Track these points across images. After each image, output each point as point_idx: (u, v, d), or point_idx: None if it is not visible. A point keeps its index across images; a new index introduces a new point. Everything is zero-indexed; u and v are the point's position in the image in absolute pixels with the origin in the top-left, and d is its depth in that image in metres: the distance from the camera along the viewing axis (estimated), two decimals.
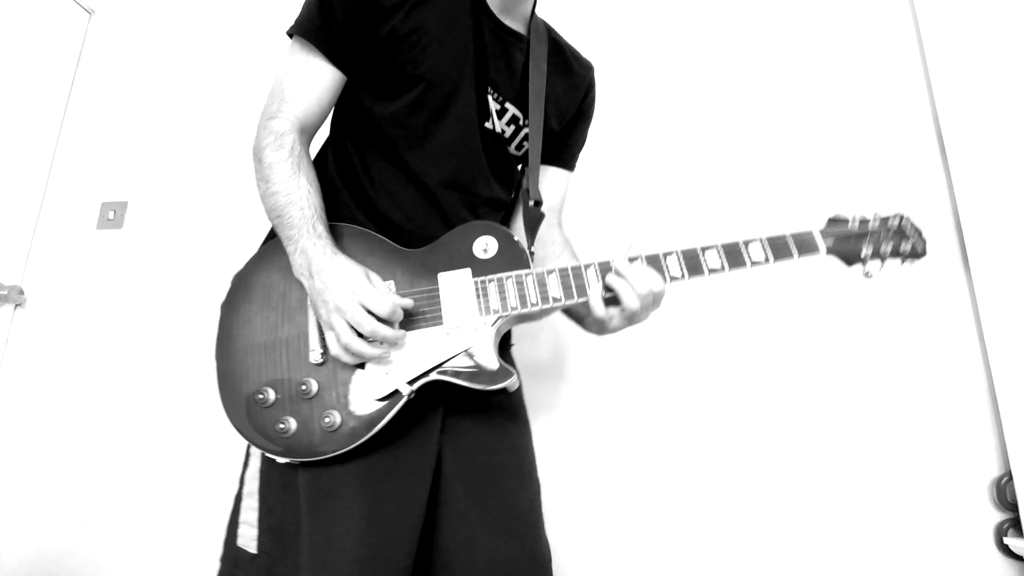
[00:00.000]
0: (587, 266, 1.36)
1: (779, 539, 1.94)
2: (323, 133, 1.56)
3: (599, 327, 1.42)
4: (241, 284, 1.41)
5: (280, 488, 1.38)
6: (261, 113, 1.43)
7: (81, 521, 2.48)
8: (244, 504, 1.43)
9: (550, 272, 1.36)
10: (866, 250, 1.37)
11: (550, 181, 1.70)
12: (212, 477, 2.39)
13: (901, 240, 1.37)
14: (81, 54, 3.09)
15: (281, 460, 1.30)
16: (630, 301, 1.32)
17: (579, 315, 1.51)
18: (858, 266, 1.38)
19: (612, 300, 1.35)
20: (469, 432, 1.45)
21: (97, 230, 2.82)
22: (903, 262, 1.38)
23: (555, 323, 2.13)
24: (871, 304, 2.03)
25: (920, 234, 1.38)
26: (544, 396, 2.17)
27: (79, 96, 3.02)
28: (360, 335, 1.25)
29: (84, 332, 2.69)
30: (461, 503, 1.39)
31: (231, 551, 1.43)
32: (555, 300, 1.34)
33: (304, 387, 1.30)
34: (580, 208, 2.16)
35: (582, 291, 1.35)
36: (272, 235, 1.49)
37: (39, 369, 2.69)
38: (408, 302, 1.30)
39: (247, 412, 1.31)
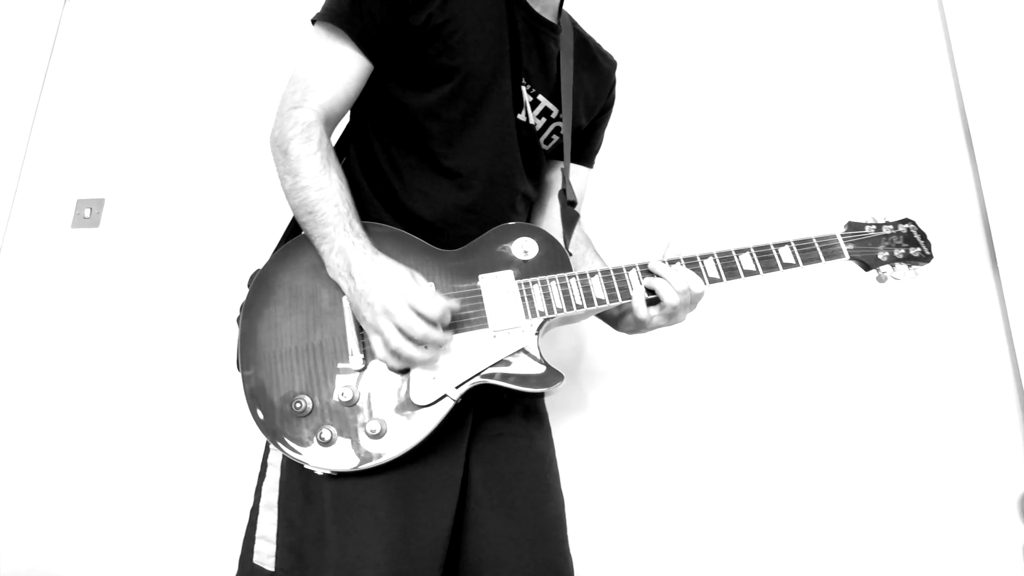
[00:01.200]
0: (629, 268, 1.43)
1: (802, 550, 1.97)
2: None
3: (636, 327, 1.48)
4: (262, 286, 1.38)
5: (302, 501, 1.36)
6: (281, 101, 1.41)
7: (57, 541, 2.38)
8: (261, 518, 1.41)
9: (593, 274, 1.41)
10: (883, 254, 1.49)
11: (573, 179, 1.74)
12: (209, 487, 2.32)
13: (910, 245, 1.50)
14: (55, 41, 2.93)
15: (320, 471, 1.29)
16: (670, 298, 1.39)
17: (611, 316, 1.57)
18: (873, 272, 1.51)
19: (652, 300, 1.42)
20: (498, 439, 1.48)
21: (72, 229, 2.70)
22: (910, 267, 1.51)
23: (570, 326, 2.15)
24: (898, 311, 2.07)
25: (925, 238, 1.52)
26: (560, 400, 2.19)
27: (53, 86, 2.87)
28: (409, 339, 1.26)
29: (58, 338, 2.56)
30: (486, 514, 1.42)
31: (246, 568, 1.40)
32: (599, 302, 1.40)
33: (345, 393, 1.29)
34: (601, 207, 2.22)
35: (625, 293, 1.41)
36: (291, 232, 1.48)
37: (10, 377, 2.55)
38: (456, 304, 1.31)
39: (282, 421, 1.29)
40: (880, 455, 1.98)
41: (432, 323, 1.26)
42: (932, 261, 1.52)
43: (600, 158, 1.83)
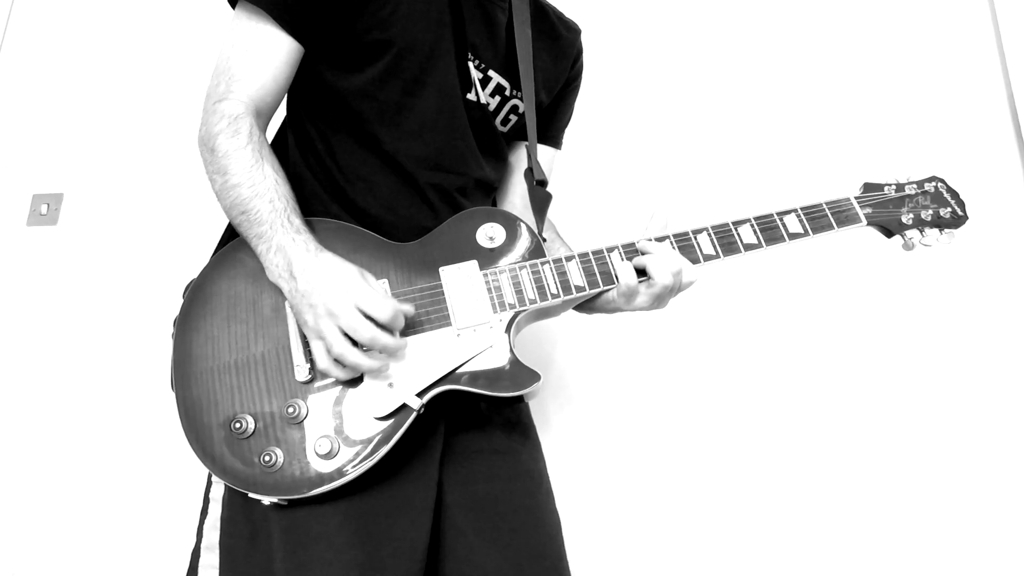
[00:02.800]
0: (610, 249, 1.35)
1: (807, 551, 1.96)
2: (277, 116, 1.49)
3: (620, 303, 1.37)
4: (197, 296, 1.32)
5: (247, 539, 1.28)
6: (205, 96, 1.36)
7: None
8: (203, 560, 1.33)
9: (569, 259, 1.34)
10: (906, 217, 1.40)
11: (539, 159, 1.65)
12: (157, 515, 2.25)
13: (939, 206, 1.41)
14: (8, 24, 2.90)
15: (267, 500, 1.21)
16: (662, 276, 1.31)
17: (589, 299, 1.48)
18: (897, 238, 1.41)
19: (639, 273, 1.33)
20: (475, 456, 1.40)
21: (28, 227, 2.64)
22: (942, 232, 1.41)
23: (550, 325, 2.07)
24: (926, 284, 2.03)
25: (958, 196, 1.42)
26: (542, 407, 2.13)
27: (6, 73, 2.84)
28: (355, 344, 1.19)
29: (12, 341, 2.52)
30: (469, 543, 1.34)
31: None
32: (578, 289, 1.32)
33: (291, 410, 1.22)
34: (569, 189, 2.15)
35: (608, 278, 1.33)
36: (227, 238, 1.43)
37: None
38: (410, 308, 1.25)
39: (221, 445, 1.22)
40: (897, 451, 1.98)
41: (381, 326, 1.19)
42: (967, 223, 1.41)
43: (569, 136, 1.77)
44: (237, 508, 1.29)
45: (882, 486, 1.95)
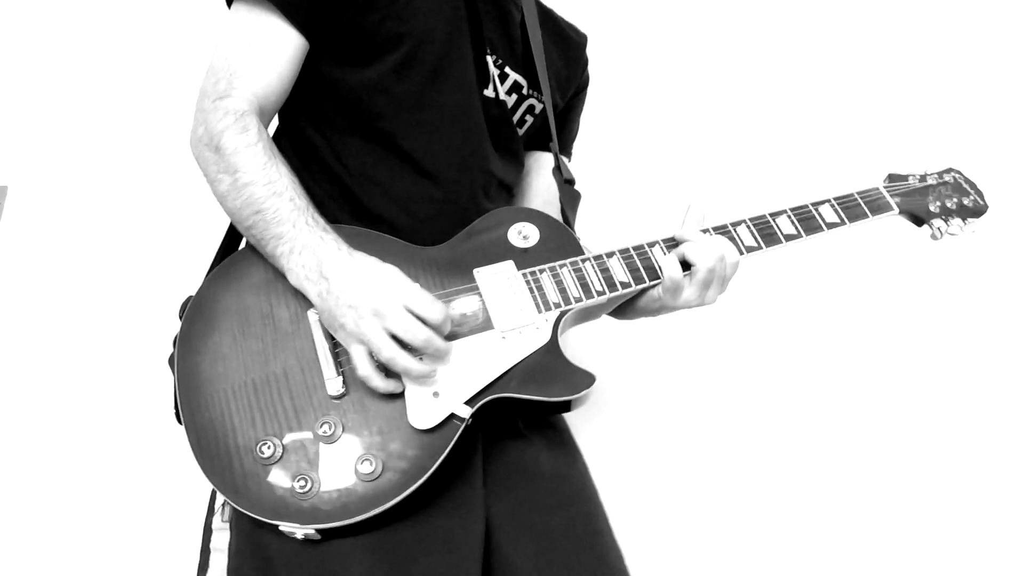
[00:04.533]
0: (651, 244, 1.38)
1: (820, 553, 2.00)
2: None
3: (655, 308, 1.40)
4: (199, 314, 1.27)
5: None
6: (200, 95, 1.33)
7: None
8: None
9: (610, 255, 1.36)
10: (934, 205, 1.48)
11: (547, 170, 1.68)
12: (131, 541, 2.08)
13: (961, 195, 1.49)
14: None
15: (300, 533, 1.14)
16: (704, 261, 1.32)
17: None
18: (926, 228, 1.49)
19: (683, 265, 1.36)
20: (519, 484, 1.36)
21: None
22: (965, 221, 1.50)
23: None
24: (944, 300, 2.15)
25: (975, 186, 1.52)
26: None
27: None
28: (403, 347, 1.16)
29: None
30: None
31: None
32: (623, 285, 1.34)
33: (325, 428, 1.17)
34: (599, 195, 2.15)
35: (653, 273, 1.35)
36: (226, 250, 1.39)
37: None
38: (457, 312, 1.23)
39: (245, 475, 1.15)
40: (925, 458, 2.06)
41: (433, 328, 1.17)
42: (988, 212, 1.51)
43: (590, 133, 1.81)
44: (245, 559, 1.22)
45: (918, 499, 2.02)
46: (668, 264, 1.33)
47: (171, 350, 1.29)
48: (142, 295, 2.29)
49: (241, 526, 1.23)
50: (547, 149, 1.67)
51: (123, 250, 2.40)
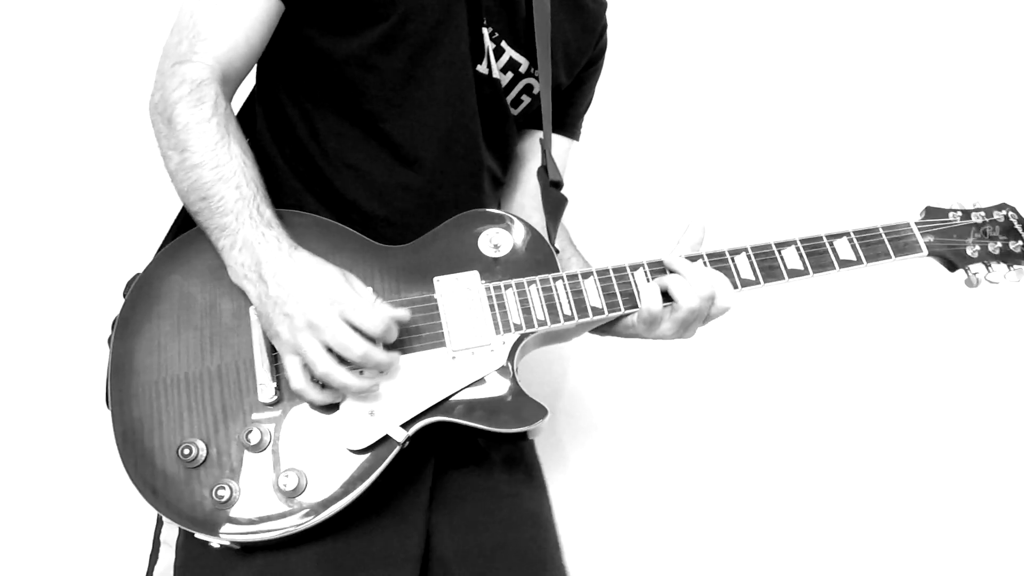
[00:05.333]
0: (634, 267, 1.30)
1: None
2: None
3: (640, 330, 1.32)
4: (143, 295, 1.26)
5: None
6: (162, 56, 1.29)
7: None
8: None
9: (586, 275, 1.29)
10: (972, 249, 1.36)
11: (553, 152, 1.59)
12: (95, 562, 2.11)
13: (1009, 238, 1.38)
14: None
15: (216, 543, 1.14)
16: (688, 300, 1.24)
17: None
18: (960, 272, 1.37)
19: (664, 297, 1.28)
20: (472, 497, 1.35)
21: None
22: (1011, 268, 1.37)
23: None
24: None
25: None
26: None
27: None
28: (342, 361, 1.13)
29: None
30: None
31: None
32: (595, 312, 1.27)
33: (252, 435, 1.16)
34: (588, 191, 2.08)
35: (630, 300, 1.28)
36: (181, 226, 1.36)
37: None
38: (405, 313, 1.18)
39: (165, 476, 1.15)
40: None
41: (372, 340, 1.13)
42: None
43: (588, 127, 1.70)
44: (194, 554, 1.23)
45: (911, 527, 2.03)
46: (648, 294, 1.25)
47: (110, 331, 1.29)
48: (91, 270, 2.20)
49: (183, 535, 1.25)
50: (554, 130, 1.58)
51: (73, 221, 2.30)
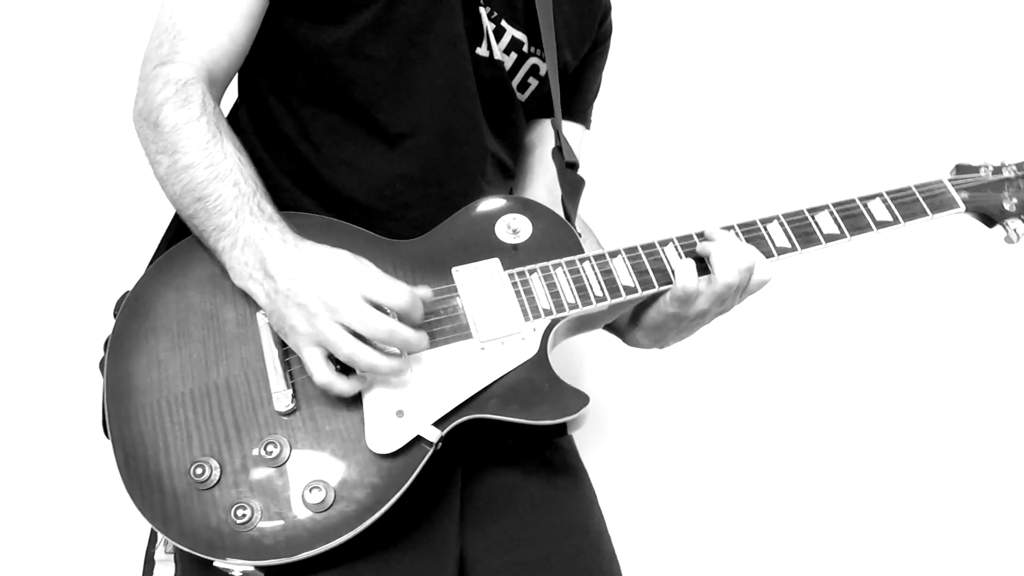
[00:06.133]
0: (664, 243, 1.27)
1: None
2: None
3: (662, 330, 1.32)
4: (136, 312, 1.21)
5: None
6: (143, 61, 1.28)
7: None
8: None
9: (614, 254, 1.26)
10: (1009, 203, 1.36)
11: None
12: None
13: None
14: None
15: (238, 570, 1.07)
16: (727, 273, 1.21)
17: (621, 322, 1.41)
18: (999, 229, 1.37)
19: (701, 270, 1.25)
20: (508, 509, 1.30)
21: None
22: None
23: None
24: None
25: None
26: None
27: None
28: (366, 342, 1.08)
29: None
30: None
31: None
32: (628, 291, 1.24)
33: (270, 449, 1.10)
34: (604, 181, 2.06)
35: (663, 277, 1.25)
36: (172, 239, 1.33)
37: None
38: (426, 291, 1.16)
39: (177, 500, 1.09)
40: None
41: (400, 316, 1.10)
42: None
43: (602, 112, 1.69)
44: (195, 570, 1.17)
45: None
46: (683, 270, 1.22)
47: (102, 353, 1.24)
48: (75, 289, 2.16)
49: (187, 557, 1.16)
50: (564, 116, 1.56)
51: (55, 237, 2.24)
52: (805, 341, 2.14)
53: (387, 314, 1.08)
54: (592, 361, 2.12)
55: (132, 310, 1.20)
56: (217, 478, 1.08)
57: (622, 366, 2.11)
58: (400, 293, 1.07)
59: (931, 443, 2.11)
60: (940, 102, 2.22)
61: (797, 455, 2.10)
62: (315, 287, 1.08)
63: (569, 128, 1.60)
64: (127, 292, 1.24)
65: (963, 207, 1.32)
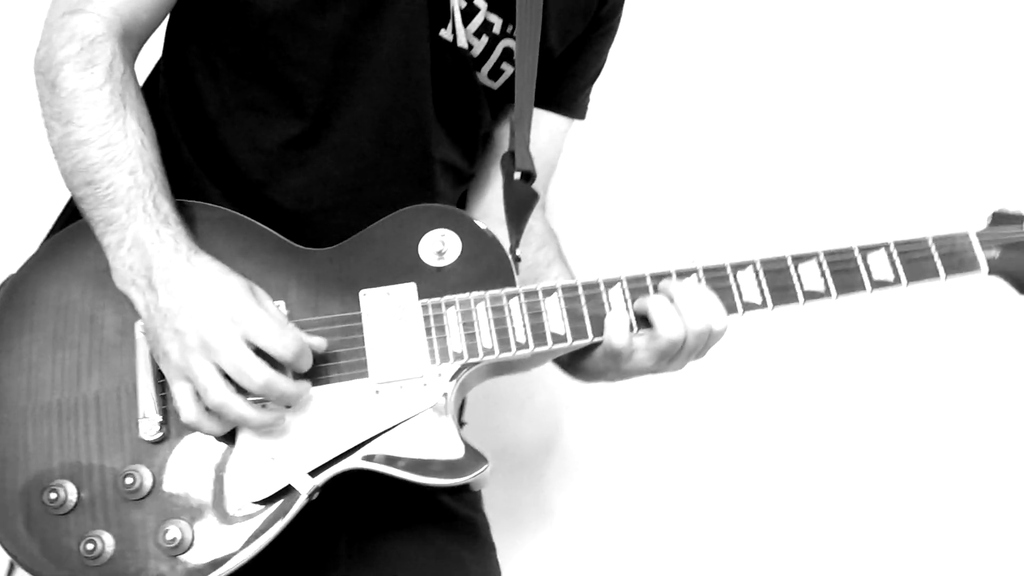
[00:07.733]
0: (610, 283, 1.18)
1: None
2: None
3: (598, 371, 1.25)
4: (13, 301, 1.20)
5: None
6: (52, 3, 1.21)
7: None
8: None
9: (549, 292, 1.18)
10: None
11: (539, 134, 1.47)
12: None
13: None
14: None
15: None
16: (670, 329, 1.13)
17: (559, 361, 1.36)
18: None
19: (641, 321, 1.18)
20: (398, 567, 1.28)
21: None
22: None
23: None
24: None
25: None
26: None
27: None
28: (240, 390, 1.05)
29: None
30: None
31: None
32: (556, 339, 1.16)
33: (130, 480, 1.08)
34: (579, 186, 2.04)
35: (599, 326, 1.16)
36: (67, 218, 1.31)
37: None
38: (321, 342, 1.11)
39: (25, 522, 1.09)
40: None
41: (279, 368, 1.06)
42: None
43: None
44: None
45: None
46: (613, 324, 1.14)
47: None
48: None
49: None
50: (547, 105, 1.46)
51: None
52: (804, 343, 2.08)
53: (268, 360, 1.04)
54: (566, 396, 2.11)
55: (10, 300, 1.18)
56: (73, 504, 1.08)
57: (599, 404, 2.09)
58: (287, 342, 1.04)
59: (931, 443, 2.12)
60: (984, 126, 2.11)
61: (785, 468, 2.10)
62: (195, 317, 1.04)
63: (549, 120, 1.50)
64: (10, 276, 1.21)
65: (986, 268, 1.18)
